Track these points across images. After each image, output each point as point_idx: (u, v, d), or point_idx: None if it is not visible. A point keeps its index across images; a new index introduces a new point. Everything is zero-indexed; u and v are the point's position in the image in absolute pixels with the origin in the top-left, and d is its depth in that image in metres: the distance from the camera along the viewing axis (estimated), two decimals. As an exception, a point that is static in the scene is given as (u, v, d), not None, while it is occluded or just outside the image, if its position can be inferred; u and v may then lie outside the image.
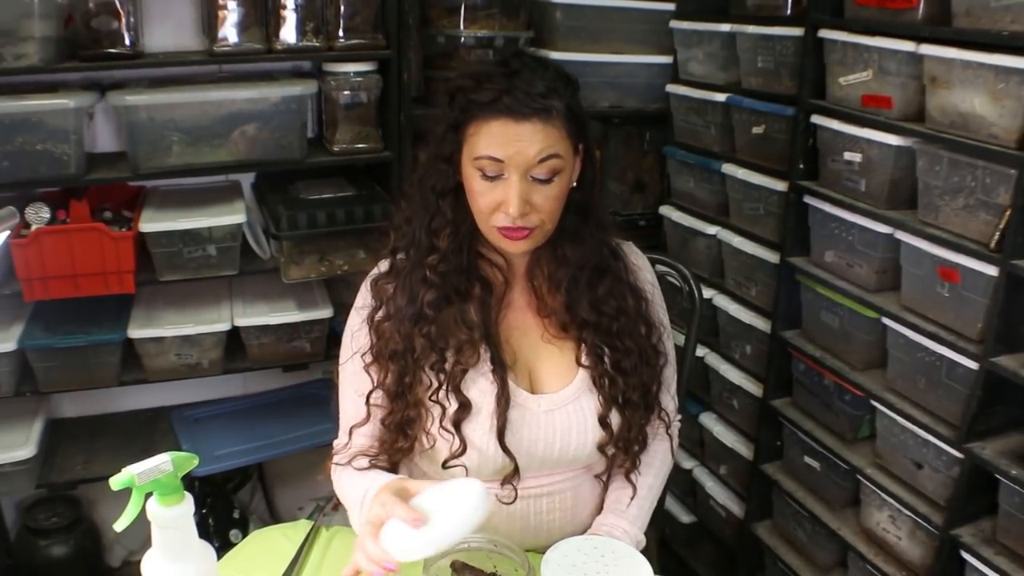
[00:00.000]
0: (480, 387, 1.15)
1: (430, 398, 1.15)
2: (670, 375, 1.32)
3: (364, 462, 1.19)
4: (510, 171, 1.08)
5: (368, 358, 1.18)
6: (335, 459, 1.23)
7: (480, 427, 1.14)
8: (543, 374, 1.20)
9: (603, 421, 1.18)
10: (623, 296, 1.22)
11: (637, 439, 1.21)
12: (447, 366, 1.14)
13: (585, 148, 1.16)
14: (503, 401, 1.14)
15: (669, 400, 1.31)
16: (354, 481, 1.16)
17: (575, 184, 1.16)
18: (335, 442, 1.25)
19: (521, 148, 1.07)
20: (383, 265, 1.23)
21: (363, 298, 1.22)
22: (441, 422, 1.14)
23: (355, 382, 1.21)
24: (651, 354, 1.23)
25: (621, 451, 1.20)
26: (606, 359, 1.19)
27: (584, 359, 1.19)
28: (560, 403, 1.18)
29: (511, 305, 1.22)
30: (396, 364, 1.16)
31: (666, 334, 1.30)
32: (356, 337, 1.21)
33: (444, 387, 1.14)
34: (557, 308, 1.21)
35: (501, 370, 1.15)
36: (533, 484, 1.19)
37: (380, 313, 1.19)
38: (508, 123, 1.07)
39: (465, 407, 1.14)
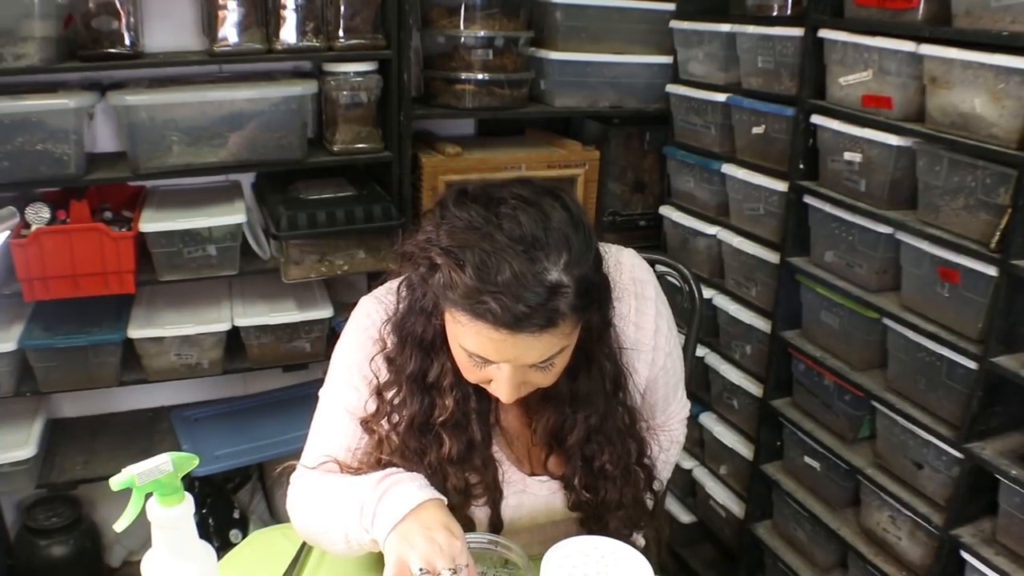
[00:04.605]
0: (478, 515, 1.11)
1: None
2: (675, 383, 1.24)
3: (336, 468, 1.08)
4: (502, 364, 0.92)
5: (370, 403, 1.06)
6: (299, 469, 1.13)
7: (480, 512, 1.10)
8: (543, 453, 1.13)
9: (575, 507, 1.13)
10: (613, 424, 1.08)
11: (613, 507, 1.12)
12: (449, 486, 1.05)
13: (600, 294, 0.95)
14: (498, 516, 1.10)
15: (673, 405, 1.26)
16: (338, 481, 1.03)
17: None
18: (298, 465, 1.14)
19: (518, 355, 0.90)
20: (381, 298, 1.08)
21: (363, 330, 1.06)
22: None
23: (348, 404, 1.09)
24: (632, 442, 1.12)
25: (595, 519, 1.14)
26: (587, 474, 1.10)
27: (565, 471, 1.11)
28: (559, 486, 1.12)
29: None
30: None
31: (673, 338, 1.19)
32: (360, 370, 1.07)
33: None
34: (546, 421, 1.09)
35: (496, 493, 1.08)
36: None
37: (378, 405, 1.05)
38: (502, 332, 0.86)
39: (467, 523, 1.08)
